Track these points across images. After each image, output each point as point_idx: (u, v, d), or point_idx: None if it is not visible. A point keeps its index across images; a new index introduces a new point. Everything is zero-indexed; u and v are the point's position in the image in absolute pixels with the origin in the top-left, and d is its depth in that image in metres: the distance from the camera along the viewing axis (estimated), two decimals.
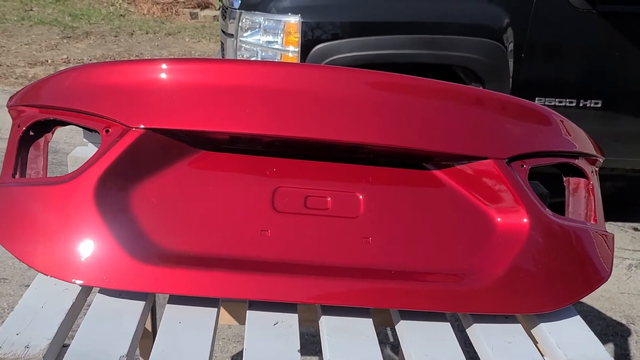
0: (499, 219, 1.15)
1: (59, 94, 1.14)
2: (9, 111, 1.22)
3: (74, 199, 1.04)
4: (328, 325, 1.06)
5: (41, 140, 1.20)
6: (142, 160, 1.08)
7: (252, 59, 2.97)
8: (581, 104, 3.00)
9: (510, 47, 2.91)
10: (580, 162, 1.27)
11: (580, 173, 1.28)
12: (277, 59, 2.90)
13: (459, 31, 2.84)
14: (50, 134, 1.20)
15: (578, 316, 1.16)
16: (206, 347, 0.96)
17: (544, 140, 1.21)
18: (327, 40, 2.79)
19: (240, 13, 2.98)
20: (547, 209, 1.16)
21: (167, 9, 8.57)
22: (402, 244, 1.11)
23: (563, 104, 2.99)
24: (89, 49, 6.68)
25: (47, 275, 1.01)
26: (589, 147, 1.29)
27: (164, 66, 1.10)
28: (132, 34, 7.44)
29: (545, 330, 1.11)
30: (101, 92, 1.11)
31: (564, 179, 1.30)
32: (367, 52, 2.79)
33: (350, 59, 2.79)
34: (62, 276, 1.00)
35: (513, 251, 1.10)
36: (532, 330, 1.15)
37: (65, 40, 6.95)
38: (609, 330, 2.60)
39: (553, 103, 2.97)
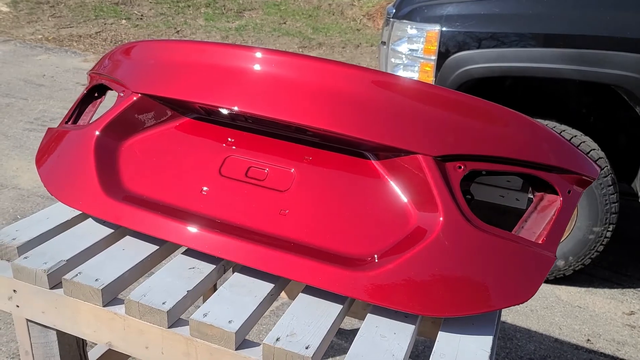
0: (416, 215, 1.11)
1: (105, 65, 1.48)
2: (87, 77, 1.61)
3: (81, 142, 1.35)
4: (232, 280, 1.17)
5: (97, 101, 1.56)
6: (136, 118, 1.34)
7: (399, 66, 3.06)
8: None
9: None
10: (553, 177, 1.13)
11: (552, 188, 1.14)
12: (417, 67, 2.94)
13: (616, 46, 2.50)
14: (104, 95, 1.55)
15: (490, 337, 1.05)
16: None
17: (498, 145, 1.11)
18: (464, 49, 2.74)
19: (393, 22, 3.10)
20: (472, 215, 1.08)
21: None
22: (314, 221, 1.16)
23: None
24: None
25: (48, 190, 1.34)
26: (570, 163, 1.14)
27: (162, 46, 1.35)
28: (359, 46, 8.02)
29: (441, 336, 1.05)
30: (122, 64, 1.41)
31: (534, 192, 1.17)
32: (503, 63, 2.65)
33: (485, 69, 2.69)
34: (56, 195, 1.31)
35: (418, 248, 1.06)
36: (437, 337, 1.08)
37: (300, 49, 7.85)
38: None
39: None
